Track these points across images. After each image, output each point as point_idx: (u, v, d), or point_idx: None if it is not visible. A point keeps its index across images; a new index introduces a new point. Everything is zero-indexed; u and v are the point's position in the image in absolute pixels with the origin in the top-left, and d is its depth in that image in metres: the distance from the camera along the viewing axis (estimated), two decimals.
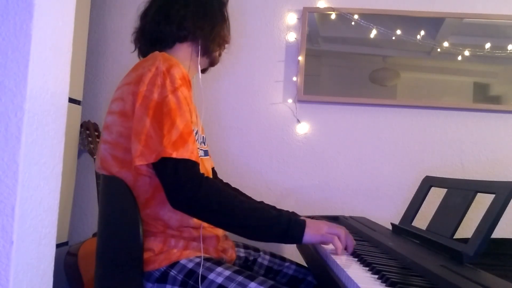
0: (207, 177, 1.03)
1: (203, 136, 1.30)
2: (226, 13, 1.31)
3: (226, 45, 1.33)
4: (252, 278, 0.99)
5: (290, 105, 2.04)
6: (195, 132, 1.15)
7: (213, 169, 1.43)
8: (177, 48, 1.23)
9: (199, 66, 1.27)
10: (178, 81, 1.05)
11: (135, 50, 1.30)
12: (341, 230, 1.07)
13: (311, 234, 1.03)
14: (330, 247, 1.10)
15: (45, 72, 1.02)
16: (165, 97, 1.02)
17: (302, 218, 1.08)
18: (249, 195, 1.42)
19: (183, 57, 1.23)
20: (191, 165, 1.01)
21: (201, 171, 1.17)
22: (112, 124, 1.10)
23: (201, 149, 1.22)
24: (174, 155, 0.99)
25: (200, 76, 1.28)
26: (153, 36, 1.23)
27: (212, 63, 1.32)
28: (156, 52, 1.15)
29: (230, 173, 1.47)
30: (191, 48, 1.24)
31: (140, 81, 1.05)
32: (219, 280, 0.99)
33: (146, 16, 1.26)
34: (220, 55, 1.33)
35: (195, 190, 0.98)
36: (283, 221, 1.02)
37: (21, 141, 0.95)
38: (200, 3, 1.24)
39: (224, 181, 1.49)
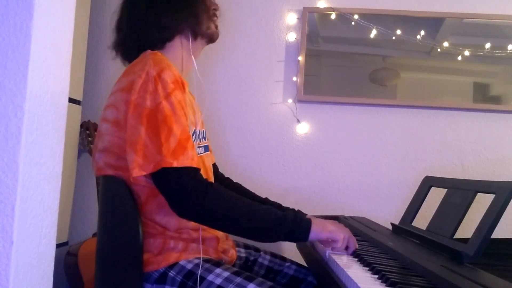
0: (211, 183, 1.01)
1: (203, 131, 1.26)
2: None
3: (218, 13, 1.23)
4: (250, 279, 0.99)
5: (290, 105, 2.04)
6: (193, 131, 1.14)
7: (214, 164, 1.42)
8: (168, 46, 1.18)
9: (193, 58, 1.20)
10: (170, 85, 1.01)
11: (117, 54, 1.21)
12: (346, 233, 1.08)
13: (316, 231, 1.04)
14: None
15: (45, 72, 1.02)
16: (159, 103, 0.99)
17: (307, 216, 1.08)
18: None
19: (177, 53, 1.19)
20: (194, 173, 0.99)
21: (202, 170, 1.17)
22: (106, 133, 1.07)
23: (200, 146, 1.20)
24: (175, 164, 0.96)
25: (196, 66, 1.21)
26: (138, 46, 1.16)
27: (212, 39, 1.24)
28: (148, 52, 1.11)
29: (230, 173, 1.47)
30: (183, 40, 1.19)
31: (131, 89, 1.02)
32: (218, 281, 0.99)
33: (121, 29, 1.19)
34: (216, 27, 1.24)
35: (201, 198, 0.97)
36: (289, 220, 1.02)
37: (21, 141, 0.95)
38: None
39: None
